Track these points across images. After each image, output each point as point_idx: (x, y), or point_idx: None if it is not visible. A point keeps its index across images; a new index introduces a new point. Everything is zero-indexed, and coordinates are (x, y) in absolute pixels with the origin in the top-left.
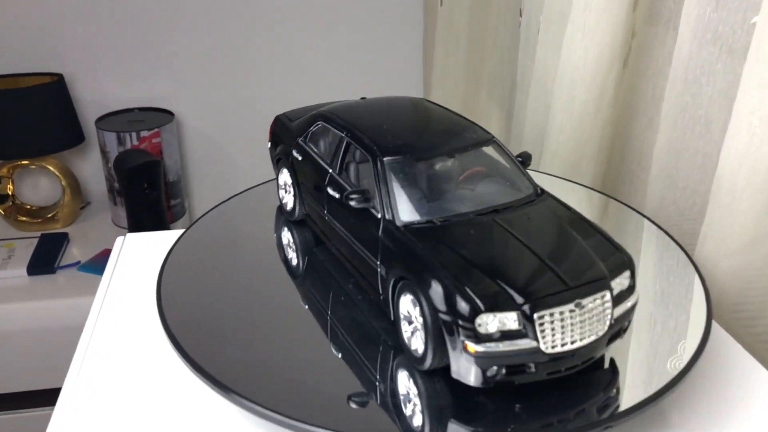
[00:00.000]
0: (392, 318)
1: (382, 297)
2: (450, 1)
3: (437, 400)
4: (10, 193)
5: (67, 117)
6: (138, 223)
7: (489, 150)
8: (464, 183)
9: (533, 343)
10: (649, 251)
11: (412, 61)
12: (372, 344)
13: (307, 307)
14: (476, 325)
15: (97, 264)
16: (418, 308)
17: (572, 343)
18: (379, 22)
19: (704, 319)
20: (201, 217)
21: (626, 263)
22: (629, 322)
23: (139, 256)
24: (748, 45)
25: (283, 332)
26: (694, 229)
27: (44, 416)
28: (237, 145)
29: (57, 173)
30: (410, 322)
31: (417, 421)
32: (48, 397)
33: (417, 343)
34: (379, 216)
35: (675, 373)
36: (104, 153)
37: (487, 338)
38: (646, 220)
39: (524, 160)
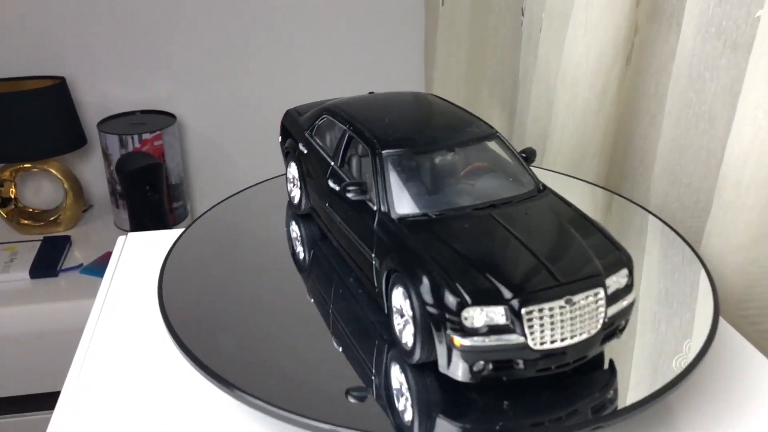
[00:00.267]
0: (386, 311)
1: (377, 290)
2: (451, 0)
3: (428, 395)
4: (12, 196)
5: (69, 120)
6: (140, 226)
7: (492, 145)
8: (465, 177)
9: (521, 339)
10: (653, 249)
11: (413, 61)
12: (368, 338)
13: (309, 302)
14: (462, 318)
15: (100, 267)
16: (408, 301)
17: (562, 340)
18: (380, 23)
19: (711, 315)
20: (201, 215)
21: (624, 261)
22: (626, 321)
23: (141, 255)
24: (753, 39)
25: (285, 328)
26: (698, 226)
27: (47, 420)
28: (239, 148)
29: (59, 176)
30: (402, 315)
31: (407, 416)
32: (51, 401)
33: (407, 336)
34: (375, 208)
35: (673, 375)
36: (106, 156)
37: (473, 332)
38: (650, 218)
39: (528, 156)
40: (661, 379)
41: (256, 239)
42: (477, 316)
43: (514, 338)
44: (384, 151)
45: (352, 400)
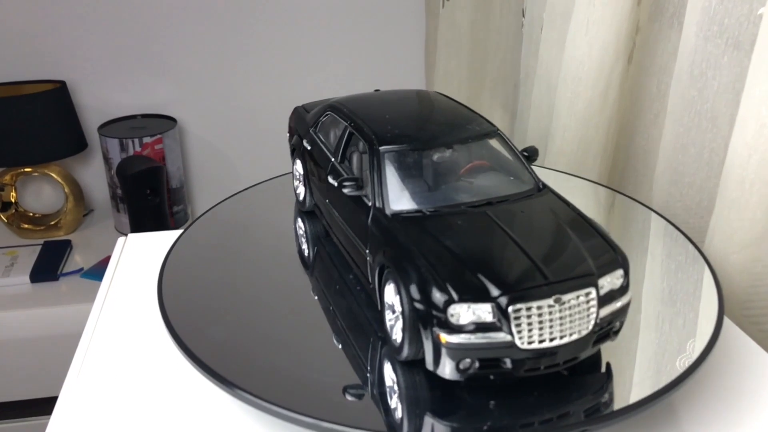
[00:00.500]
0: (379, 307)
1: (371, 286)
2: (452, 3)
3: (417, 393)
4: (13, 200)
5: (69, 124)
6: (141, 230)
7: (493, 143)
8: (464, 175)
9: (508, 338)
10: (657, 247)
11: (414, 63)
12: (365, 335)
13: (310, 301)
14: (449, 315)
15: (100, 271)
16: (399, 297)
17: (551, 340)
18: (380, 27)
19: (715, 314)
20: (201, 215)
21: (619, 262)
22: (621, 323)
23: (141, 255)
24: (755, 37)
25: (286, 327)
26: (701, 225)
27: (47, 425)
28: (240, 151)
29: (60, 180)
30: (394, 311)
31: (397, 414)
32: (51, 405)
33: (397, 332)
34: (370, 204)
35: (676, 374)
36: (107, 160)
37: (459, 329)
38: (653, 217)
39: (530, 154)
40: (664, 379)
41: (255, 239)
42: (463, 313)
43: (501, 336)
44: (381, 147)
45: (349, 397)
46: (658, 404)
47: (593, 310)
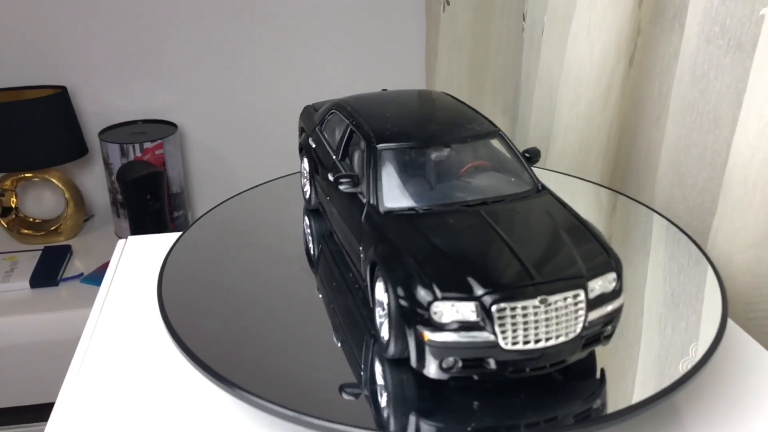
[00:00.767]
0: (371, 304)
1: (365, 283)
2: (452, 7)
3: (403, 392)
4: (13, 205)
5: (70, 129)
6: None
7: (495, 143)
8: (463, 175)
9: (491, 337)
10: (659, 250)
11: (414, 67)
12: (359, 333)
13: (310, 301)
14: (432, 312)
15: (100, 276)
16: (386, 294)
17: (536, 341)
18: (381, 31)
19: (719, 316)
20: (200, 217)
21: (611, 265)
22: (613, 327)
23: (141, 257)
24: (757, 38)
25: (288, 326)
26: (703, 227)
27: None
28: (240, 157)
29: (60, 186)
30: (384, 309)
31: (382, 412)
32: (50, 412)
33: (385, 330)
34: (365, 201)
35: (679, 375)
36: (107, 165)
37: (442, 327)
38: (655, 219)
39: (532, 156)
40: (666, 381)
41: (255, 240)
42: (447, 311)
43: (485, 336)
44: (379, 145)
45: (345, 396)
46: (659, 407)
47: (581, 312)
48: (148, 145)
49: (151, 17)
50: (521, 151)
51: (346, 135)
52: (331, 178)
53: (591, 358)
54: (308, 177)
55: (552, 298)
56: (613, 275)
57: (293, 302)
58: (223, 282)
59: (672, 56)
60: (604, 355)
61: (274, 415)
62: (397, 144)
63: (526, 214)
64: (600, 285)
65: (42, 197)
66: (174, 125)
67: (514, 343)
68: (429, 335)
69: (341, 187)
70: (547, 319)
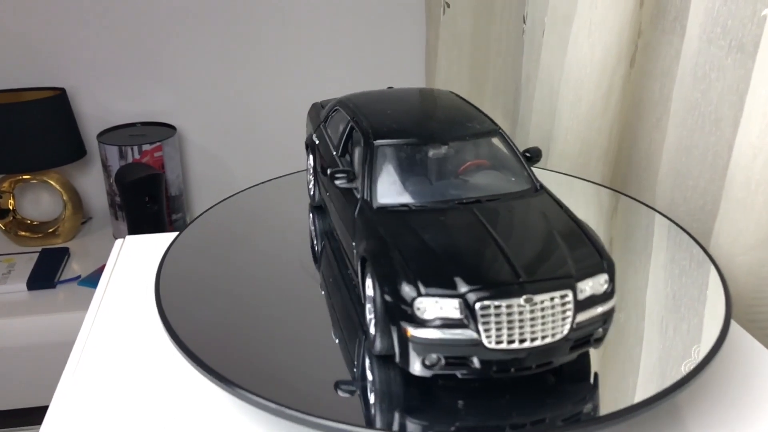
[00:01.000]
0: (363, 300)
1: (359, 278)
2: (453, 9)
3: (390, 389)
4: (11, 207)
5: (68, 131)
6: None
7: (495, 142)
8: (461, 173)
9: (474, 336)
10: (661, 251)
11: (415, 70)
12: (354, 330)
13: (309, 297)
14: (415, 308)
15: (97, 279)
16: (373, 290)
17: (521, 341)
18: (381, 34)
19: (722, 316)
20: (197, 217)
21: (603, 267)
22: (605, 330)
23: (139, 257)
24: (759, 39)
25: (286, 324)
26: (705, 228)
27: None
28: (239, 159)
29: (58, 188)
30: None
31: (367, 409)
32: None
33: (373, 325)
34: (359, 197)
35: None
36: (106, 167)
37: (425, 324)
38: (656, 220)
39: (533, 155)
40: (669, 382)
41: (252, 239)
42: (430, 307)
43: (468, 334)
44: (376, 141)
45: (340, 393)
46: (662, 408)
47: (569, 313)
48: (146, 147)
49: (150, 20)
50: (522, 150)
51: (347, 131)
52: (327, 172)
53: (587, 361)
54: (312, 173)
55: (538, 298)
56: (604, 277)
57: (290, 300)
58: (220, 281)
59: (673, 58)
60: (604, 356)
61: (272, 413)
62: (395, 141)
63: (520, 213)
64: (590, 286)
65: (40, 199)
66: (173, 128)
67: (498, 342)
68: (412, 331)
69: (336, 182)
70: (532, 319)
